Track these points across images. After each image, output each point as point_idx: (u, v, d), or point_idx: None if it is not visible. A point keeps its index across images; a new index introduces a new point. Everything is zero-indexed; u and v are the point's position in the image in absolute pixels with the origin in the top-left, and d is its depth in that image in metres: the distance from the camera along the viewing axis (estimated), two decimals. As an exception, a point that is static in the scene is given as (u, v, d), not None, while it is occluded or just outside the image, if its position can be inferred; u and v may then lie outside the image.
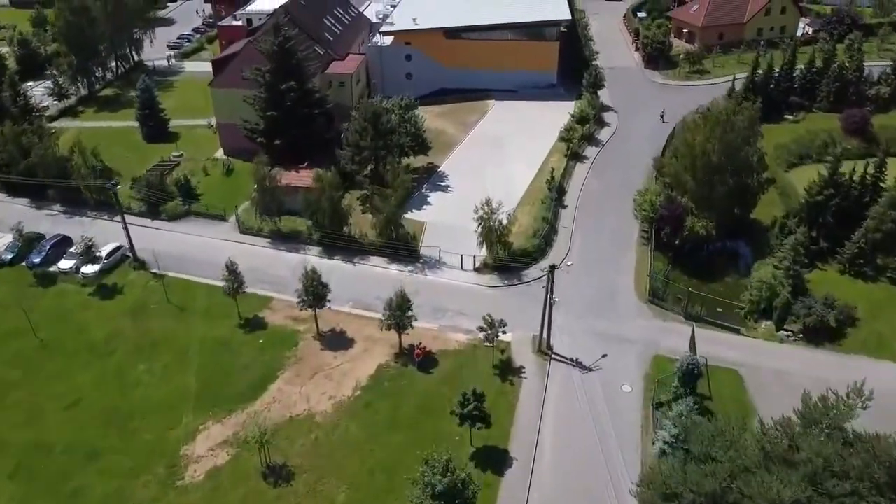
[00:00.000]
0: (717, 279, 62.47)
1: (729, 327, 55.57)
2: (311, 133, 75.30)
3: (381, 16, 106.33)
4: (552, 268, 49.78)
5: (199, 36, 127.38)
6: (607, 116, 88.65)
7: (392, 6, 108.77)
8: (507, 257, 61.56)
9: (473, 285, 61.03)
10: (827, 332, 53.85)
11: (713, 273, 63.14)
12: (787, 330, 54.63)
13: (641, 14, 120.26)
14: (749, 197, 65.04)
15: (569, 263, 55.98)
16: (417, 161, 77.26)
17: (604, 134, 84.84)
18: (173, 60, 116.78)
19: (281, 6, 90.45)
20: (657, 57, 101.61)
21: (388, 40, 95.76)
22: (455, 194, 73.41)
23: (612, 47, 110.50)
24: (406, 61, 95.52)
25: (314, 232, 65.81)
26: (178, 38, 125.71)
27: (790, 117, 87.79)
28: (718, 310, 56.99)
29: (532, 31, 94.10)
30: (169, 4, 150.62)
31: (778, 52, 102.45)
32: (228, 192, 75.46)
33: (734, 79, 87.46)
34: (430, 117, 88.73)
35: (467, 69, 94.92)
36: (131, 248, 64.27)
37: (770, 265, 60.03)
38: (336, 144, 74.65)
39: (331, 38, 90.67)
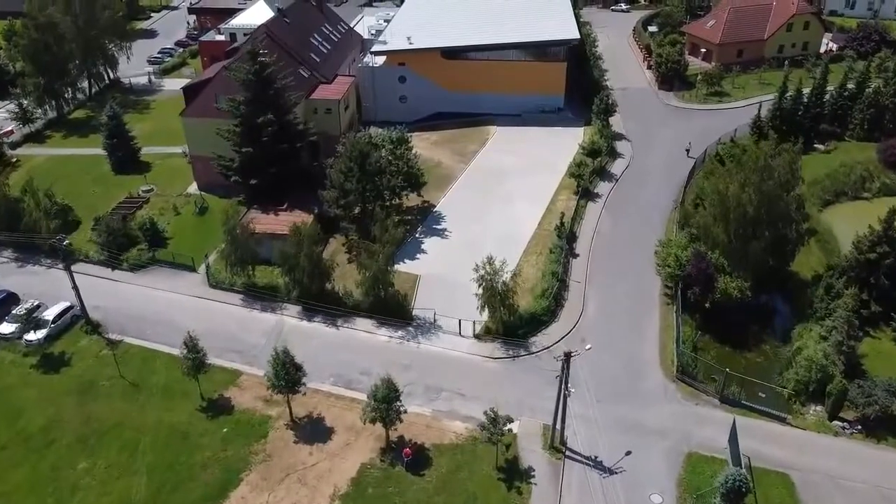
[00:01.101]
0: (753, 346, 54.02)
1: (773, 415, 46.90)
2: (292, 169, 66.63)
3: (373, 31, 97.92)
4: (567, 355, 41.17)
5: (181, 50, 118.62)
6: (620, 146, 79.91)
7: (386, 21, 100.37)
8: (512, 321, 52.95)
9: (473, 356, 52.38)
10: (890, 422, 45.29)
11: (747, 337, 54.69)
12: (842, 419, 46.05)
13: (652, 28, 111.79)
14: (787, 248, 56.61)
15: (588, 347, 47.16)
16: (410, 199, 68.63)
17: (617, 167, 76.10)
18: (153, 77, 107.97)
19: (262, 25, 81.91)
20: (672, 77, 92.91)
21: (380, 60, 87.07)
22: (453, 240, 64.69)
23: (622, 65, 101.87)
24: (400, 83, 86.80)
25: (292, 289, 57.22)
26: (160, 53, 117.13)
27: (820, 147, 79.25)
28: (761, 395, 48.38)
29: (538, 50, 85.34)
30: (152, 15, 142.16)
31: (802, 70, 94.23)
32: (201, 234, 66.80)
33: (760, 105, 78.59)
34: (426, 146, 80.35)
35: (467, 92, 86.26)
36: (83, 309, 55.60)
37: (814, 332, 51.60)
38: (321, 180, 65.95)
39: (317, 59, 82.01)
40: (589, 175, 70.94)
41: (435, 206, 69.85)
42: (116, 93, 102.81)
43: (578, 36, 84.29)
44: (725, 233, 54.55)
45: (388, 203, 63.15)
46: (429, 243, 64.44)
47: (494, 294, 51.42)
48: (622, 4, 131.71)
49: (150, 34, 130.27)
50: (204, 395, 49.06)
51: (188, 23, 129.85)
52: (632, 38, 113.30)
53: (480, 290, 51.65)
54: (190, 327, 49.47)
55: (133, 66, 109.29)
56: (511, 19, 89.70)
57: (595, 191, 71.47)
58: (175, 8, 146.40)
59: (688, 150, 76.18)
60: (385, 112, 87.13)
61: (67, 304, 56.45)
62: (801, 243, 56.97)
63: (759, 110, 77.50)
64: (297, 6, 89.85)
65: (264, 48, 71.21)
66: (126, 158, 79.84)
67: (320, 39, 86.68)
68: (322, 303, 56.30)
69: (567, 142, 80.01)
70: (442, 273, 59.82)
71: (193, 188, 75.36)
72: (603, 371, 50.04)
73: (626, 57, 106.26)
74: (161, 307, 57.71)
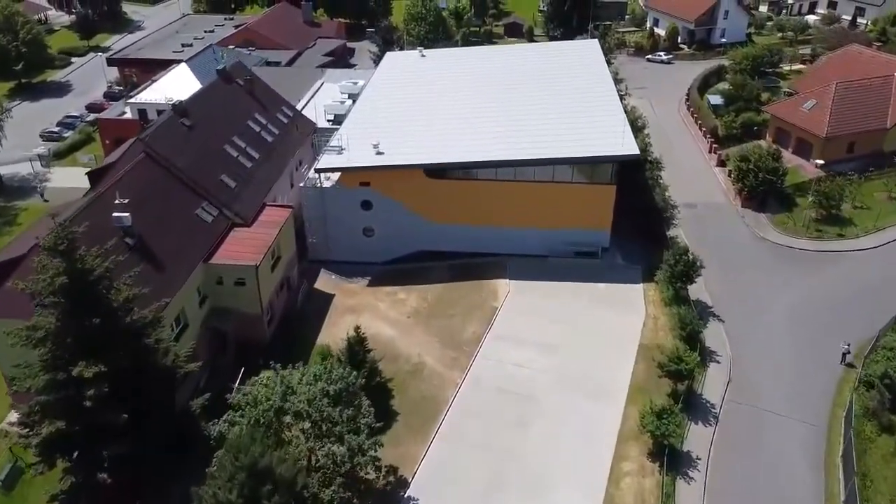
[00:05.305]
0: None
1: None
2: (149, 436, 35.21)
3: (330, 116, 66.18)
4: None
5: (89, 119, 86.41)
6: (707, 331, 48.30)
7: (351, 96, 68.51)
8: None
9: None
10: None
11: None
12: None
13: (715, 100, 79.72)
14: None
15: None
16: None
17: (710, 385, 44.29)
18: (40, 165, 76.18)
19: (137, 140, 49.67)
20: (764, 190, 61.35)
21: (333, 176, 55.47)
22: None
23: (680, 157, 70.15)
24: (363, 210, 55.06)
25: None
26: (59, 124, 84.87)
27: None
28: None
29: (573, 168, 53.56)
30: (74, 61, 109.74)
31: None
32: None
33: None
34: (398, 318, 49.69)
35: (464, 224, 54.81)
36: None
37: None
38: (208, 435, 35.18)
39: (232, 186, 50.20)
40: (675, 421, 39.32)
41: (408, 485, 38.28)
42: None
43: (637, 151, 52.29)
44: None
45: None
46: None
47: None
48: (661, 54, 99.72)
49: (61, 90, 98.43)
50: None
51: (108, 81, 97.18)
52: (685, 111, 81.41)
53: None
54: None
55: (22, 142, 77.95)
56: (531, 121, 57.72)
57: (683, 447, 40.01)
58: (107, 49, 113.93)
59: (845, 355, 44.89)
60: (342, 250, 55.84)
61: None
62: None
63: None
64: (213, 91, 57.69)
65: (129, 186, 40.30)
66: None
67: (243, 144, 54.74)
68: None
69: (622, 318, 48.91)
70: None
71: (12, 419, 43.87)
72: None
73: (683, 144, 74.30)
74: None
